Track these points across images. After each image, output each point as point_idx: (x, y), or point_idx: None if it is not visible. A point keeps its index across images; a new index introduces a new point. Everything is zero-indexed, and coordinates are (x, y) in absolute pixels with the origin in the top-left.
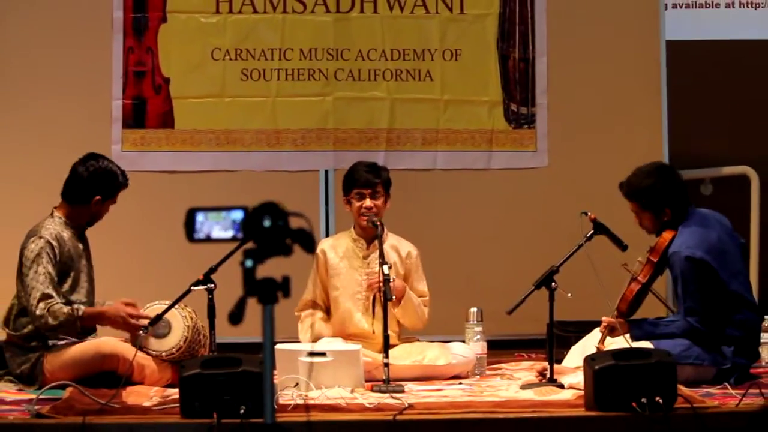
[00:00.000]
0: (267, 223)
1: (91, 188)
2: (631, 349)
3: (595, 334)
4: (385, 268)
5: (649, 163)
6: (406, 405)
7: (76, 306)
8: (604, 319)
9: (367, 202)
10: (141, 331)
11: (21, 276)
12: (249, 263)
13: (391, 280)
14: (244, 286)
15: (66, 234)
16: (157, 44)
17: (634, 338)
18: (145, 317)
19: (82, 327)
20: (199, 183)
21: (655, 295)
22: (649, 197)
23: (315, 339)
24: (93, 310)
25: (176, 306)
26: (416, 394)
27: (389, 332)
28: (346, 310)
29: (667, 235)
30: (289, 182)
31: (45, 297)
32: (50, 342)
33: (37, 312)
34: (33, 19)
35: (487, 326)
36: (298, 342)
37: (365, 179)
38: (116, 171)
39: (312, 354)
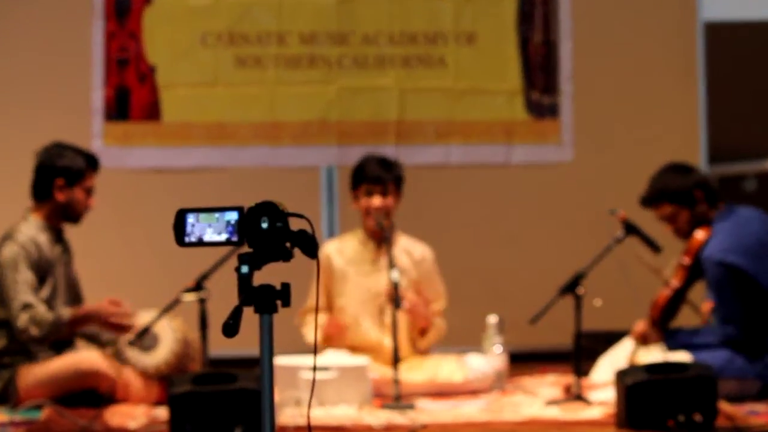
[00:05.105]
0: (264, 224)
1: (50, 172)
2: (666, 363)
3: (626, 345)
4: (396, 274)
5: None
6: (419, 425)
7: (59, 312)
8: (636, 325)
9: (376, 201)
10: (126, 344)
11: None
12: (245, 269)
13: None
14: (240, 294)
15: (42, 237)
16: (142, 29)
17: (669, 349)
18: (130, 316)
19: (69, 333)
20: (190, 181)
21: (691, 306)
22: (677, 188)
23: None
24: (79, 312)
25: (164, 317)
26: (429, 412)
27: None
28: (353, 318)
29: (699, 236)
30: (289, 180)
31: (26, 306)
32: (30, 356)
33: (20, 324)
34: (2, 2)
35: (507, 337)
36: (300, 355)
37: (375, 174)
38: (79, 150)
39: (315, 369)
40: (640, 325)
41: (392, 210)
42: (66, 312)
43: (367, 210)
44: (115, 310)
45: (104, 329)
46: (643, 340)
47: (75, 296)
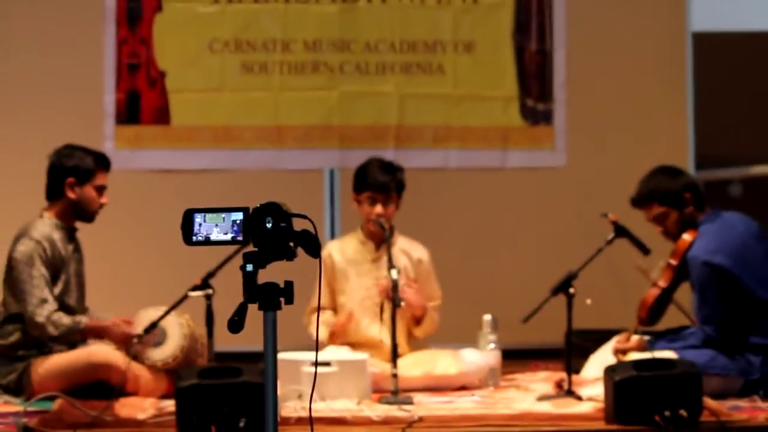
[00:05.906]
0: (269, 224)
1: (61, 172)
2: (653, 360)
3: (615, 342)
4: (394, 272)
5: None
6: (416, 418)
7: (77, 318)
8: (617, 341)
9: (378, 209)
10: (134, 339)
11: (11, 281)
12: (250, 267)
13: (400, 286)
14: (245, 291)
15: (56, 235)
16: (152, 35)
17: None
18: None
19: (81, 339)
20: (197, 182)
21: (677, 306)
22: (666, 189)
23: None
24: (95, 324)
25: (172, 313)
26: (426, 406)
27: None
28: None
29: (687, 237)
30: (292, 182)
31: (43, 302)
32: (43, 349)
33: (38, 319)
34: (18, 9)
35: (501, 335)
36: (302, 351)
37: (380, 184)
38: (88, 150)
39: (316, 364)
40: (621, 341)
41: (392, 214)
42: (83, 320)
43: (369, 216)
44: (128, 333)
45: (115, 343)
46: (624, 354)
47: (82, 295)
